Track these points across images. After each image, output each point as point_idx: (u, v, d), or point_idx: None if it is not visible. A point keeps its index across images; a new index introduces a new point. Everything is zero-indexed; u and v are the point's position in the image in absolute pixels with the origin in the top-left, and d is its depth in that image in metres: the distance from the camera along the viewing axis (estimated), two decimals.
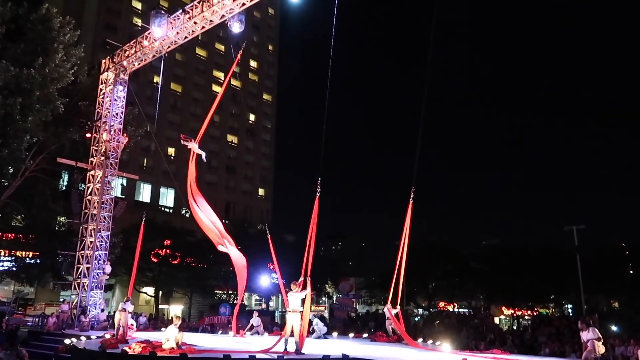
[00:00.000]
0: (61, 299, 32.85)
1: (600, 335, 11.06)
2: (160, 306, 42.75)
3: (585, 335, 11.10)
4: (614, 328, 26.95)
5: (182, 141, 16.64)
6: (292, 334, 11.75)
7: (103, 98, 22.89)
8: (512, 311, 45.00)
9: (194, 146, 16.59)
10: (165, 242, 38.91)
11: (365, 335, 19.71)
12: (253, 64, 70.15)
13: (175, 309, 45.57)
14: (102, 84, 23.16)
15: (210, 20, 18.62)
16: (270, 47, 73.75)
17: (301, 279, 12.08)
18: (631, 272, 37.92)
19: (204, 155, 16.89)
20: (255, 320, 19.95)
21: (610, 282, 36.02)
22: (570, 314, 39.46)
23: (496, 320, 41.04)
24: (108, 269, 21.81)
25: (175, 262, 39.00)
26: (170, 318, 37.34)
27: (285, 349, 11.75)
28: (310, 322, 18.18)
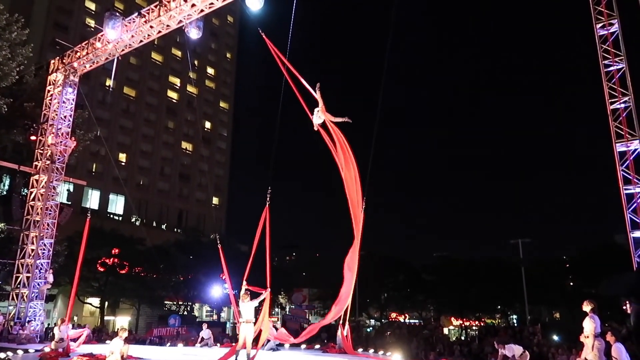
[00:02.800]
0: None
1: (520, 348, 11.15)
2: (106, 317, 41.13)
3: (509, 352, 11.02)
4: (555, 338, 28.16)
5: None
6: (244, 346, 11.53)
7: (50, 100, 21.96)
8: (461, 322, 46.20)
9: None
10: (113, 251, 37.66)
11: (317, 346, 19.64)
12: (210, 71, 69.43)
13: (122, 321, 43.94)
14: (50, 85, 22.22)
15: (167, 25, 18.29)
16: (228, 55, 73.23)
17: (243, 288, 11.89)
18: (571, 284, 39.81)
19: None
20: (205, 332, 19.55)
21: (552, 293, 37.68)
22: (515, 324, 40.89)
23: (445, 330, 41.98)
24: (51, 277, 20.81)
25: (123, 271, 37.78)
26: (116, 330, 35.99)
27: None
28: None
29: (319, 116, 12.71)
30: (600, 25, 13.86)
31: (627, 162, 13.04)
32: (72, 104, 22.31)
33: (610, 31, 13.74)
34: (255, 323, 11.66)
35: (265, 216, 12.32)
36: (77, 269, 17.98)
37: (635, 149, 13.02)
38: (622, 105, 13.29)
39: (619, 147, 13.17)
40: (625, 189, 12.95)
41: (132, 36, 18.93)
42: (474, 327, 44.27)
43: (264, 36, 13.70)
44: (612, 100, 13.42)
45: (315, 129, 12.87)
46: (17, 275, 20.56)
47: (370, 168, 14.63)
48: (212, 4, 17.03)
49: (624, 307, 12.73)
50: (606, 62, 13.65)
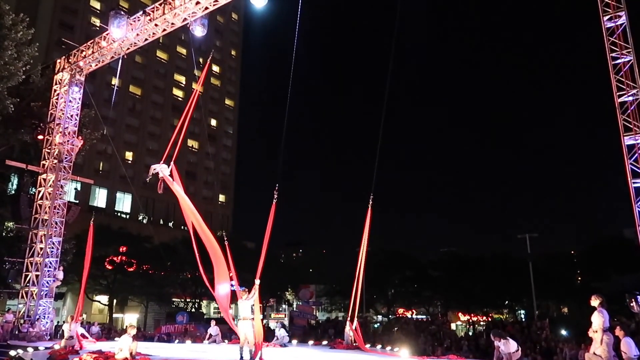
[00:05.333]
0: (7, 308, 31.34)
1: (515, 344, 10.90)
2: (115, 315, 41.42)
3: (505, 348, 10.77)
4: (563, 332, 28.02)
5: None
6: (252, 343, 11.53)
7: (57, 99, 22.07)
8: (468, 317, 46.09)
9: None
10: (120, 249, 37.90)
11: (325, 342, 19.70)
12: (215, 68, 69.46)
13: (130, 318, 44.24)
14: (56, 84, 22.33)
15: (172, 23, 18.32)
16: (233, 53, 73.24)
17: (256, 284, 11.89)
18: (579, 279, 39.58)
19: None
20: (214, 329, 19.64)
21: (560, 288, 37.49)
22: (523, 319, 40.74)
23: (453, 326, 41.89)
24: (60, 275, 20.94)
25: (131, 269, 38.01)
26: (124, 327, 36.22)
27: (242, 358, 11.52)
28: (273, 330, 18.07)
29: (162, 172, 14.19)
30: (607, 17, 13.71)
31: (636, 155, 12.91)
32: (78, 103, 22.42)
33: (617, 23, 13.59)
34: (252, 319, 11.56)
35: (272, 213, 12.31)
36: (84, 272, 18.06)
37: None
38: (631, 98, 13.15)
39: (627, 141, 13.04)
40: (634, 183, 12.84)
41: (137, 34, 18.97)
42: (481, 323, 44.13)
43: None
44: (620, 93, 13.28)
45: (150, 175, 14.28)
46: (26, 273, 20.73)
47: (377, 162, 14.60)
48: (216, 1, 17.03)
49: (632, 305, 12.61)
50: (614, 54, 13.51)
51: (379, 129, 14.76)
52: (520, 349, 11.07)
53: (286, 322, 36.71)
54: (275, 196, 12.30)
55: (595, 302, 8.90)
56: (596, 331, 8.70)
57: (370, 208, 15.35)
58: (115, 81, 52.63)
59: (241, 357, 11.49)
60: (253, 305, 11.69)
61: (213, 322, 20.74)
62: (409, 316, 43.74)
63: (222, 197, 67.56)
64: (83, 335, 16.59)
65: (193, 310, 41.02)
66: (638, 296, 12.05)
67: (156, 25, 18.44)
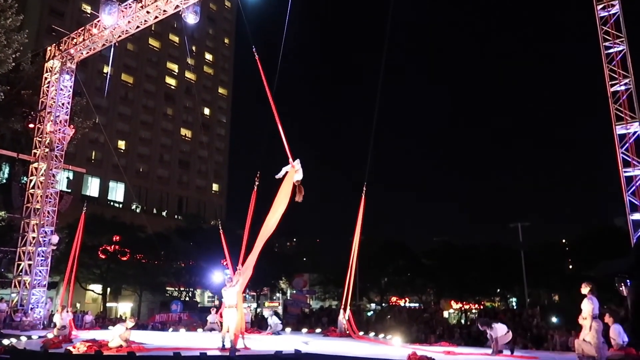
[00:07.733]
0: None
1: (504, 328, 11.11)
2: (108, 304, 41.43)
3: (494, 333, 10.95)
4: (554, 320, 28.41)
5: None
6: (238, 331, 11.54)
7: (48, 87, 21.86)
8: (461, 305, 46.57)
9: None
10: (114, 238, 37.84)
11: (318, 330, 19.83)
12: (208, 57, 68.92)
13: (124, 307, 44.29)
14: (47, 72, 22.10)
15: (164, 10, 18.15)
16: (226, 41, 72.62)
17: (238, 271, 11.89)
18: (570, 267, 40.00)
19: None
20: (212, 317, 19.69)
21: (551, 276, 37.90)
22: (514, 307, 41.21)
23: (445, 314, 42.30)
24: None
25: (125, 258, 37.97)
26: (120, 316, 36.25)
27: (223, 346, 11.51)
28: (266, 319, 18.14)
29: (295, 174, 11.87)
30: (601, 6, 13.74)
31: (627, 144, 13.01)
32: (69, 91, 22.22)
33: (610, 12, 13.62)
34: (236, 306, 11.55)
35: (253, 199, 12.32)
36: (70, 259, 17.92)
37: (635, 132, 13.00)
38: (623, 88, 13.23)
39: (619, 130, 13.14)
40: (625, 172, 12.96)
41: (129, 22, 18.79)
42: (473, 310, 44.61)
43: (257, 60, 13.06)
44: (612, 82, 13.35)
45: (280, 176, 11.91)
46: (19, 262, 20.69)
47: (370, 154, 14.62)
48: None
49: (621, 289, 12.79)
50: (607, 44, 13.55)
51: (373, 124, 14.76)
52: (510, 330, 11.24)
53: (280, 311, 36.96)
54: (257, 183, 12.29)
55: (585, 289, 9.00)
56: (585, 318, 8.80)
57: (364, 197, 15.40)
58: (107, 69, 52.12)
59: (222, 346, 11.48)
60: (238, 291, 11.67)
61: (213, 310, 20.74)
62: (402, 304, 44.10)
63: (215, 187, 67.39)
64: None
65: (187, 299, 41.10)
66: (628, 280, 12.21)
67: (148, 12, 18.27)
